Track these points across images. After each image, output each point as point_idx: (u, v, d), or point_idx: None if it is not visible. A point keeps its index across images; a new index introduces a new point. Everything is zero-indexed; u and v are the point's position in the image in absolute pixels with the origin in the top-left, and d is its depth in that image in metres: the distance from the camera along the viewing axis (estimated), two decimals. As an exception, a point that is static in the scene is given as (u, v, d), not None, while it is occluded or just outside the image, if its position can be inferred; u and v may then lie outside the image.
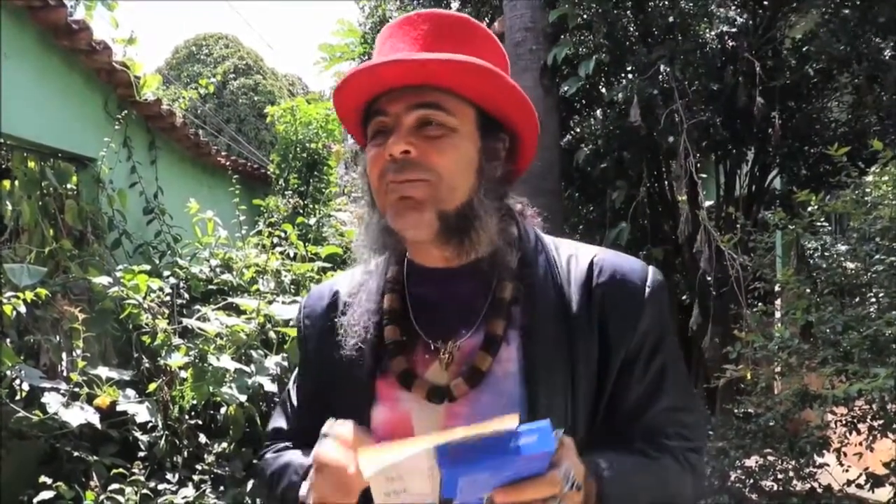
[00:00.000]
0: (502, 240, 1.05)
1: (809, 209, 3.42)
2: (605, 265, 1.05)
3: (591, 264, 1.05)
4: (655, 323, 1.04)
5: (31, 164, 4.25)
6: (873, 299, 3.15)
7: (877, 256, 3.17)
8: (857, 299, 3.29)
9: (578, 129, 5.30)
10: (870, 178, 3.31)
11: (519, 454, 0.76)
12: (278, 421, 1.24)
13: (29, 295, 3.21)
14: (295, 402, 1.22)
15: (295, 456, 1.14)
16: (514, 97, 1.03)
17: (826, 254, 3.39)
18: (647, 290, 1.04)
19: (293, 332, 3.81)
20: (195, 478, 3.39)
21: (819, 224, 3.47)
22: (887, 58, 4.53)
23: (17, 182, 4.12)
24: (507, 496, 0.79)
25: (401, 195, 0.98)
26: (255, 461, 1.24)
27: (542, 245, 1.09)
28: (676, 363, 1.07)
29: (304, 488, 1.03)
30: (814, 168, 5.11)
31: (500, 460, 0.76)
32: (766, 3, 5.01)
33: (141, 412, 3.44)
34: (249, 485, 3.48)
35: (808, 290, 3.33)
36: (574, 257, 1.08)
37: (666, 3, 4.78)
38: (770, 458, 3.73)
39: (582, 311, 1.02)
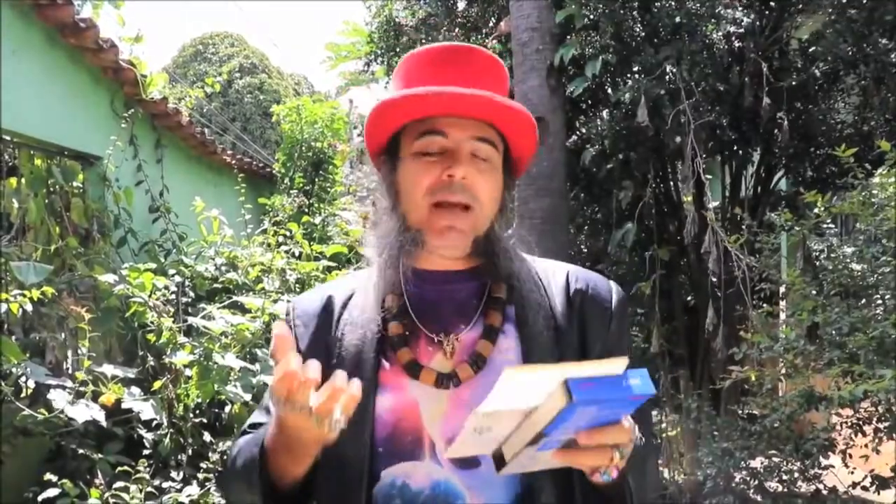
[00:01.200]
0: (502, 253, 1.18)
1: (816, 210, 3.41)
2: (579, 276, 1.22)
3: (567, 275, 1.22)
4: (622, 326, 1.22)
5: (38, 162, 4.26)
6: (879, 301, 3.14)
7: (883, 258, 3.15)
8: (864, 301, 3.27)
9: (584, 130, 5.28)
10: (876, 180, 3.29)
11: (628, 393, 0.82)
12: (257, 416, 1.26)
13: (35, 293, 3.22)
14: None
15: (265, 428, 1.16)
16: (534, 146, 1.22)
17: (832, 255, 3.37)
18: (615, 296, 1.22)
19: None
20: (200, 476, 3.40)
21: (825, 225, 3.45)
22: (893, 59, 4.51)
23: (23, 180, 4.13)
24: (591, 438, 0.86)
25: (449, 224, 1.12)
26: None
27: (523, 259, 1.23)
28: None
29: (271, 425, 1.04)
30: (820, 169, 5.09)
31: (615, 396, 0.82)
32: (772, 3, 4.99)
33: (146, 410, 3.45)
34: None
35: (814, 292, 3.32)
36: (551, 269, 1.24)
37: (673, 3, 4.76)
38: (775, 459, 3.72)
39: (564, 312, 1.17)
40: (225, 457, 1.17)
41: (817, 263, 3.39)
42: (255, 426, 1.23)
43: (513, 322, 1.15)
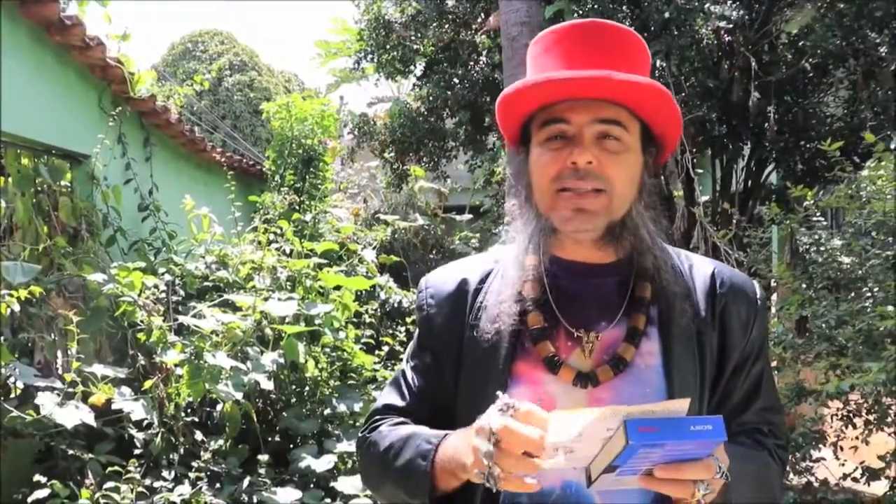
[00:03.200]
0: (644, 244, 1.13)
1: (805, 204, 3.42)
2: (724, 277, 1.17)
3: (713, 275, 1.17)
4: (761, 332, 1.18)
5: (25, 161, 4.23)
6: (868, 293, 3.15)
7: (872, 251, 3.16)
8: (853, 294, 3.28)
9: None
10: (865, 173, 3.30)
11: (695, 439, 0.85)
12: (390, 397, 1.24)
13: (23, 293, 3.19)
14: (412, 381, 1.23)
15: (420, 429, 1.15)
16: (676, 118, 1.12)
17: (821, 248, 3.38)
18: (759, 302, 1.18)
19: (290, 329, 3.81)
20: (191, 475, 3.38)
21: (814, 219, 3.47)
22: (883, 53, 4.52)
23: (10, 179, 4.10)
24: (667, 472, 0.89)
25: (577, 207, 1.07)
26: (362, 434, 1.24)
27: (668, 253, 1.18)
28: (769, 368, 1.22)
29: (466, 455, 1.00)
30: (810, 163, 5.11)
31: (678, 441, 0.85)
32: (761, -2, 5.00)
33: (136, 410, 3.43)
34: (246, 482, 3.47)
35: (803, 286, 3.33)
36: (695, 267, 1.19)
37: (661, -2, 4.77)
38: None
39: (707, 316, 1.13)
40: (362, 446, 1.20)
41: (806, 257, 3.40)
42: (389, 408, 1.23)
43: (655, 324, 1.12)
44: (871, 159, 3.21)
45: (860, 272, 3.23)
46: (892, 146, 3.31)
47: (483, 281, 1.19)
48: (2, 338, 3.42)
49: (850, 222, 3.31)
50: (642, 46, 1.16)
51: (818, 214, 3.49)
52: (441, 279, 1.24)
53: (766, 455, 1.14)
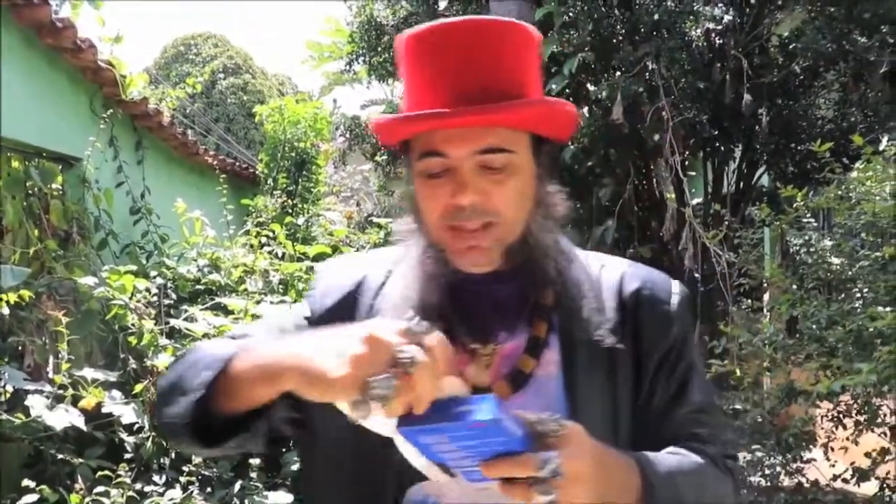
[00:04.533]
0: (546, 251, 1.05)
1: (795, 205, 3.44)
2: (635, 276, 1.09)
3: (622, 275, 1.09)
4: (682, 329, 1.09)
5: (16, 164, 4.21)
6: (858, 294, 3.16)
7: (862, 252, 3.18)
8: (844, 295, 3.30)
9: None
10: (854, 174, 3.32)
11: (462, 419, 0.79)
12: (248, 329, 1.14)
13: (13, 297, 3.18)
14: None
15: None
16: (570, 123, 1.04)
17: (811, 249, 3.40)
18: (676, 297, 1.10)
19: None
20: (182, 479, 3.37)
21: (805, 220, 3.48)
22: (872, 57, 4.55)
23: (0, 182, 4.09)
24: (486, 469, 0.83)
25: (468, 245, 0.99)
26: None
27: (573, 255, 1.10)
28: (698, 366, 1.12)
29: (336, 365, 0.80)
30: (801, 164, 5.14)
31: (449, 424, 0.79)
32: (752, 0, 5.02)
33: (127, 413, 3.42)
34: (237, 486, 3.46)
35: (794, 286, 3.34)
36: (605, 267, 1.10)
37: (652, 0, 4.79)
38: (758, 453, 3.74)
39: (616, 319, 1.05)
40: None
41: (797, 258, 3.41)
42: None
43: (558, 332, 1.03)
44: (860, 161, 3.23)
45: (850, 273, 3.25)
46: (881, 148, 3.32)
47: (383, 283, 1.10)
48: (-9, 341, 3.41)
49: (841, 223, 3.33)
50: (528, 39, 1.03)
51: (808, 215, 3.51)
52: (337, 273, 1.16)
53: (707, 462, 1.03)
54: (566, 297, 1.04)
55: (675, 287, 1.11)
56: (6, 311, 3.17)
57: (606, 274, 1.09)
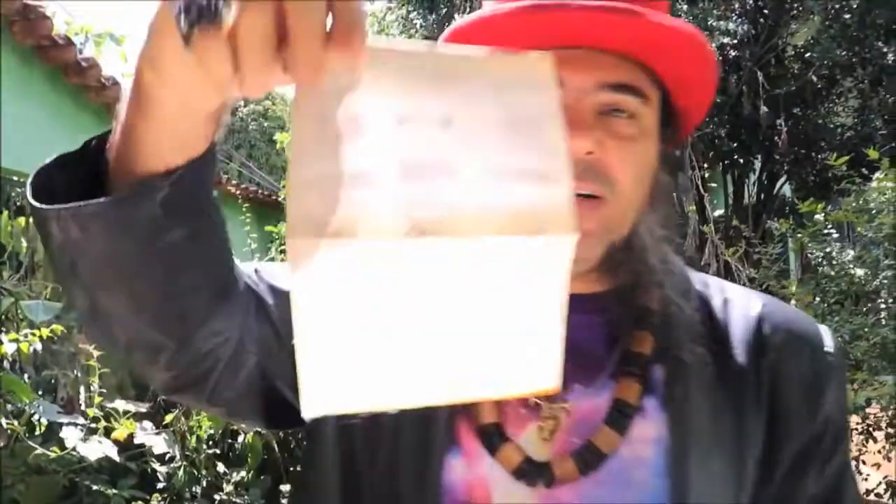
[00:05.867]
0: (650, 275, 0.74)
1: (816, 217, 3.42)
2: (777, 319, 0.76)
3: (758, 318, 0.76)
4: (839, 405, 0.76)
5: (45, 202, 4.31)
6: (883, 305, 3.14)
7: (885, 262, 3.16)
8: (869, 306, 3.27)
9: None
10: (874, 184, 3.31)
11: None
12: None
13: (45, 332, 3.26)
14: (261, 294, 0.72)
15: None
16: (712, 87, 0.75)
17: (833, 262, 3.38)
18: (831, 359, 0.76)
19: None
20: (214, 507, 3.41)
21: (826, 232, 3.46)
22: (890, 61, 4.53)
23: (31, 219, 4.18)
24: None
25: None
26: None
27: (687, 284, 0.77)
28: (850, 465, 0.81)
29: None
30: (822, 174, 5.11)
31: None
32: (766, 11, 5.02)
33: (158, 444, 3.47)
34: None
35: (817, 299, 3.32)
36: (731, 303, 0.77)
37: (665, 16, 4.81)
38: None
39: (749, 379, 0.73)
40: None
41: (819, 270, 3.40)
42: None
43: (659, 395, 0.71)
44: (879, 171, 3.22)
45: (874, 284, 3.22)
46: (901, 156, 3.31)
47: None
48: (26, 375, 3.49)
49: (861, 234, 3.31)
50: None
51: (829, 226, 3.49)
52: None
53: None
54: (673, 344, 0.72)
55: (828, 339, 0.78)
56: (39, 345, 3.24)
57: (735, 313, 0.76)
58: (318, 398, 0.49)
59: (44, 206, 0.56)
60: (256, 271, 0.74)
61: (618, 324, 0.74)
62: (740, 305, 0.77)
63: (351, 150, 0.44)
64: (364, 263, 0.45)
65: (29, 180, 0.58)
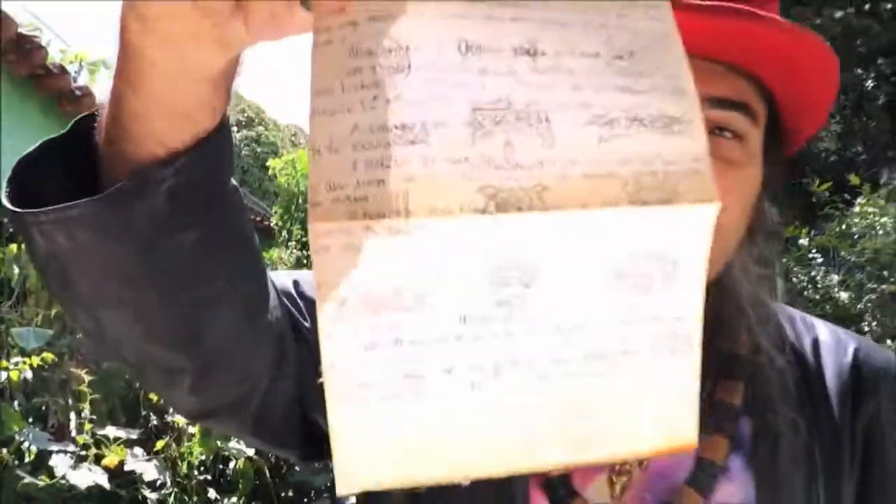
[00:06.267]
0: (742, 317, 0.65)
1: (800, 242, 3.48)
2: (874, 363, 0.68)
3: (854, 359, 0.67)
4: None
5: (38, 229, 4.32)
6: (867, 328, 3.18)
7: (868, 285, 3.21)
8: (853, 329, 3.32)
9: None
10: (856, 209, 3.37)
11: None
12: None
13: (35, 359, 3.27)
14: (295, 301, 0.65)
15: None
16: (828, 105, 0.65)
17: (818, 286, 3.43)
18: None
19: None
20: (204, 534, 3.40)
21: (811, 256, 3.51)
22: (869, 87, 4.62)
23: (23, 246, 4.20)
24: None
25: None
26: None
27: (778, 326, 0.69)
28: None
29: None
30: (806, 198, 5.18)
31: None
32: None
33: (149, 470, 3.47)
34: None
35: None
36: (822, 343, 0.69)
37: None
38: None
39: (845, 433, 0.65)
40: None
41: (804, 293, 3.44)
42: None
43: (744, 451, 0.63)
44: (861, 196, 3.28)
45: (858, 307, 3.27)
46: (882, 181, 3.37)
47: None
48: (16, 403, 3.49)
49: (845, 258, 3.36)
50: None
51: (814, 251, 3.54)
52: None
53: None
54: (765, 394, 0.64)
55: None
56: (30, 374, 3.25)
57: (828, 360, 0.68)
58: (357, 467, 0.34)
59: (20, 209, 0.45)
60: (296, 283, 0.65)
61: (705, 369, 0.60)
62: (831, 343, 0.69)
63: (397, 94, 0.31)
64: (419, 256, 0.30)
65: (6, 178, 0.48)
